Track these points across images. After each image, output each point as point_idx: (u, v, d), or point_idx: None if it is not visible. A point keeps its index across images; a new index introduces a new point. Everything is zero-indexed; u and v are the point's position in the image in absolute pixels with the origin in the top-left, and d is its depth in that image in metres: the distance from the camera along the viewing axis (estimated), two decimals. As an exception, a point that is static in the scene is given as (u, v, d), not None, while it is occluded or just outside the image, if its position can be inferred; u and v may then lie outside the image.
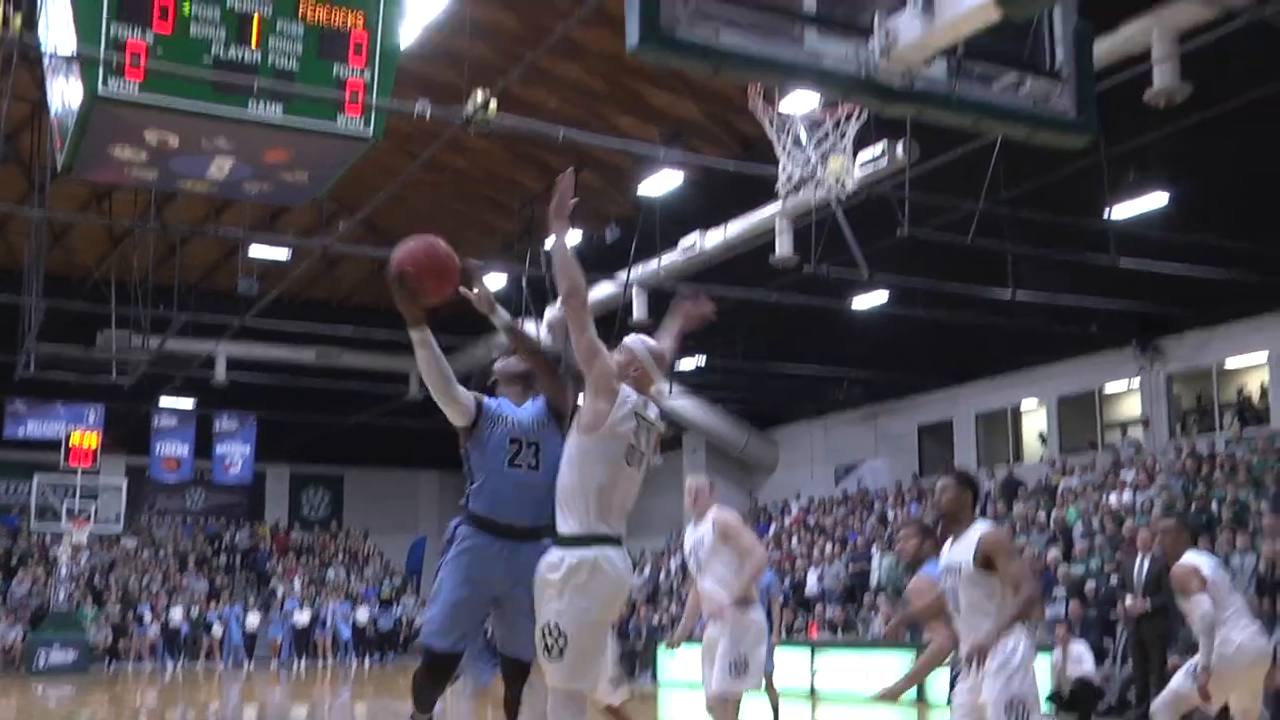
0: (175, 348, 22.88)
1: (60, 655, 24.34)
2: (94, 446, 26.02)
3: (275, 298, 21.06)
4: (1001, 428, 24.22)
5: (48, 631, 24.86)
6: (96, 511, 26.28)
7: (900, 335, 21.54)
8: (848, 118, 4.81)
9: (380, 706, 17.73)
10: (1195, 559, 7.31)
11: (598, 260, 21.17)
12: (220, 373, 25.92)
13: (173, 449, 28.35)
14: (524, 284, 21.77)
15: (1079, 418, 22.60)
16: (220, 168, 10.03)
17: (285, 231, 24.16)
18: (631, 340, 4.62)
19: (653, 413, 4.53)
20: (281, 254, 22.25)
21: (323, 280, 28.35)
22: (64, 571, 25.89)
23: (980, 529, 5.18)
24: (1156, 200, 16.10)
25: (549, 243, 4.26)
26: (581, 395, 4.42)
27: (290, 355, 26.73)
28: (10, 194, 20.97)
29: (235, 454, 29.08)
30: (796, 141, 4.88)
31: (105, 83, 8.54)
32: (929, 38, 4.26)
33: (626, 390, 4.39)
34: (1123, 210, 15.88)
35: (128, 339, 21.41)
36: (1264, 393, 19.51)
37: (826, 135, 4.82)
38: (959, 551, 5.18)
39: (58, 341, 21.67)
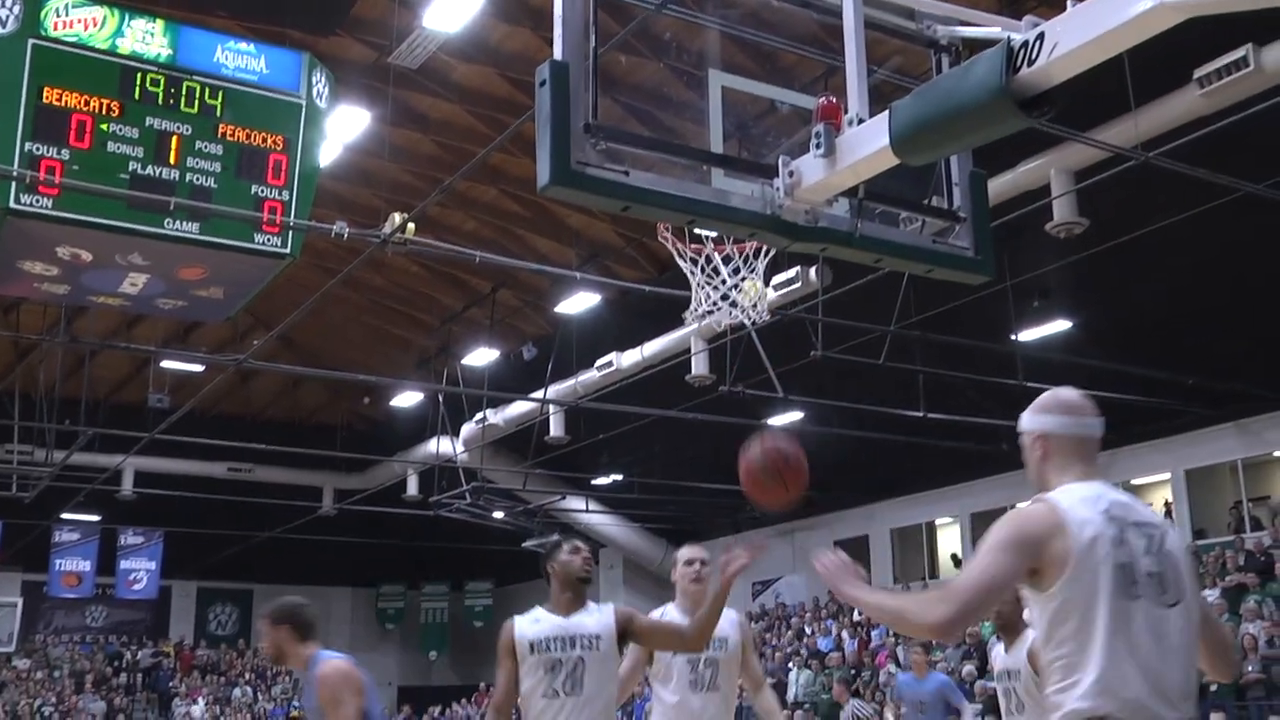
0: (81, 461, 22.30)
1: (-57, 784, 23.22)
2: (-12, 563, 25.17)
3: (187, 411, 20.69)
4: (917, 543, 24.41)
5: (-70, 759, 23.74)
6: (-13, 631, 25.31)
7: (816, 453, 21.46)
8: (756, 253, 4.93)
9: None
10: None
11: (515, 378, 21.19)
12: (127, 487, 25.30)
13: (74, 564, 27.48)
14: (440, 400, 21.68)
15: (992, 533, 22.85)
16: (134, 283, 9.86)
17: (199, 345, 23.87)
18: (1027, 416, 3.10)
19: (1141, 511, 2.97)
20: (194, 367, 21.95)
21: (236, 394, 27.90)
22: (-50, 695, 24.83)
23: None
24: (1059, 325, 16.66)
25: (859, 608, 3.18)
26: None
27: (200, 469, 26.20)
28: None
29: (141, 569, 28.31)
30: (709, 275, 4.98)
31: (18, 198, 8.43)
32: (831, 179, 4.40)
33: (1071, 499, 2.91)
34: (1028, 334, 16.38)
35: (30, 452, 20.83)
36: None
37: (738, 270, 4.92)
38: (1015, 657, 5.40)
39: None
